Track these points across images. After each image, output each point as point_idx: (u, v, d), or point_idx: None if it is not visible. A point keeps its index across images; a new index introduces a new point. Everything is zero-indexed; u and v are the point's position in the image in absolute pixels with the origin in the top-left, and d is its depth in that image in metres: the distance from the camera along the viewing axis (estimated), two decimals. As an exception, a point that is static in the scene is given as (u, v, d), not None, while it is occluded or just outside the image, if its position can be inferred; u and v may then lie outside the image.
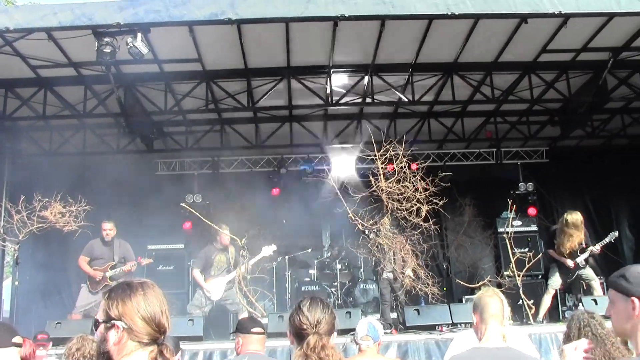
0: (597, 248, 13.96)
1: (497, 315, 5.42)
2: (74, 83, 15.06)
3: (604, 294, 13.87)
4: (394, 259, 13.53)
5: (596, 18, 12.64)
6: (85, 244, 14.09)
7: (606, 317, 4.44)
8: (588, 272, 14.08)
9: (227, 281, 13.98)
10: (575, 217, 13.92)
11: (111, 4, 11.07)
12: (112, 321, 3.24)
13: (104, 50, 11.09)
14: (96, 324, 3.34)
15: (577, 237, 13.84)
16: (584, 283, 14.45)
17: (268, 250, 14.40)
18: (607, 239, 14.21)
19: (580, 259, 13.82)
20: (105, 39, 11.06)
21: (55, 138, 18.10)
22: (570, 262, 13.82)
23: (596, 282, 14.00)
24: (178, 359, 6.14)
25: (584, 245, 13.94)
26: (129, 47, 11.06)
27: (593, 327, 5.61)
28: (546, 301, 14.14)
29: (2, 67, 14.17)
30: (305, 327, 4.55)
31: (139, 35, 11.07)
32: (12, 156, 16.97)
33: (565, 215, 14.12)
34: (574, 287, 14.89)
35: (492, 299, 5.53)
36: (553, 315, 14.86)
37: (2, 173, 16.52)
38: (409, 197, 12.12)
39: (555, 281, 14.14)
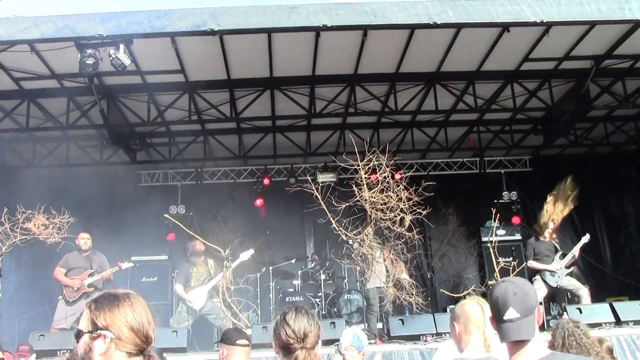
0: (575, 252, 14.04)
1: (480, 325, 5.39)
2: (56, 95, 15.00)
3: (592, 302, 13.97)
4: (387, 267, 13.53)
5: (578, 26, 12.69)
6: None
7: (591, 325, 4.44)
8: (574, 282, 14.12)
9: (208, 289, 13.93)
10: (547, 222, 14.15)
11: (93, 15, 11.06)
12: (100, 331, 3.20)
13: (87, 62, 11.05)
14: (79, 334, 3.28)
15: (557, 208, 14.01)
16: (568, 293, 14.49)
17: (246, 254, 14.32)
18: (581, 242, 14.37)
19: (562, 264, 13.88)
20: (88, 51, 11.02)
21: (39, 150, 18.05)
22: (557, 265, 13.88)
23: (584, 291, 14.04)
24: None
25: (561, 253, 14.05)
26: (111, 58, 11.04)
27: (577, 337, 5.56)
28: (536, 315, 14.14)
29: (-15, 80, 14.15)
30: (292, 341, 4.41)
31: (122, 46, 11.05)
32: (-5, 168, 16.93)
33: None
34: (558, 296, 14.93)
35: (475, 308, 5.50)
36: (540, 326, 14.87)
37: (-15, 185, 16.46)
38: (392, 206, 12.11)
39: (540, 293, 14.14)
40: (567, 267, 14.11)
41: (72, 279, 13.62)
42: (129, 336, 3.23)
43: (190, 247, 14.45)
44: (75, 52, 11.14)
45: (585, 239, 14.54)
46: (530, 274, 14.99)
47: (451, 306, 16.80)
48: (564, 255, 14.03)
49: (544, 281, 14.15)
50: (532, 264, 14.32)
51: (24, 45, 11.91)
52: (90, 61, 11.05)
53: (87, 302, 3.38)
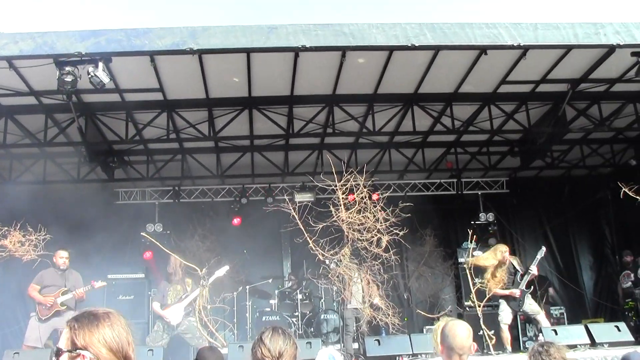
0: (533, 269, 14.06)
1: (467, 347, 5.44)
2: (34, 112, 14.99)
3: (561, 324, 14.01)
4: (363, 287, 13.55)
5: (555, 50, 12.81)
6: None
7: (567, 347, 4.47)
8: (533, 307, 14.16)
9: (185, 306, 13.89)
10: (501, 247, 14.24)
11: (73, 33, 11.06)
12: (78, 350, 3.19)
13: (65, 79, 11.03)
14: (59, 352, 3.24)
15: (497, 267, 14.04)
16: (533, 318, 14.54)
17: (221, 271, 14.28)
18: (537, 257, 14.34)
19: (522, 285, 13.91)
20: (67, 68, 11.00)
21: (16, 166, 17.98)
22: (516, 291, 13.90)
23: (541, 316, 14.07)
24: None
25: (521, 273, 14.07)
26: (90, 76, 11.02)
27: (551, 357, 5.60)
28: (505, 337, 14.13)
29: (-38, 95, 14.11)
30: (267, 359, 4.52)
31: (100, 64, 11.05)
32: (-28, 184, 16.86)
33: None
34: (524, 312, 14.99)
35: (462, 330, 5.56)
36: (514, 345, 14.88)
37: (-39, 201, 16.39)
38: (369, 227, 12.14)
39: (506, 316, 14.13)
40: (528, 286, 14.12)
41: (45, 297, 13.55)
42: (107, 357, 3.22)
43: (169, 263, 14.41)
44: (54, 69, 11.12)
45: (541, 253, 14.55)
46: (495, 300, 15.04)
47: (427, 327, 16.85)
48: (522, 276, 14.04)
49: (508, 305, 14.17)
50: (496, 292, 14.34)
51: (2, 61, 11.86)
52: (68, 78, 11.03)
53: (68, 320, 3.38)
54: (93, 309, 3.44)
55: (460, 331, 5.56)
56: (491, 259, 14.14)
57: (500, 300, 14.43)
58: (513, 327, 14.76)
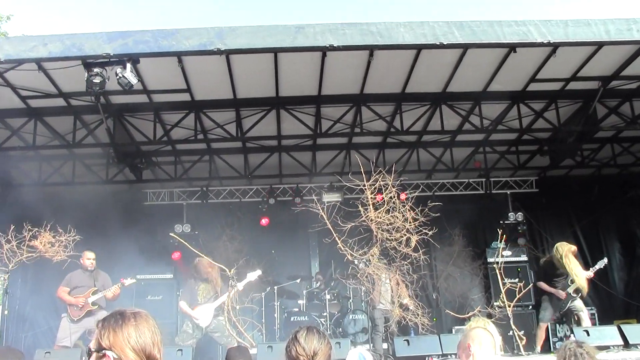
0: (590, 274, 13.92)
1: (490, 349, 5.38)
2: (63, 113, 15.07)
3: (592, 324, 13.85)
4: (392, 287, 13.51)
5: (585, 47, 12.68)
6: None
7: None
8: (577, 304, 14.00)
9: (215, 307, 13.86)
10: (568, 246, 13.93)
11: (100, 34, 11.08)
12: (104, 351, 3.22)
13: (94, 80, 11.05)
14: (89, 353, 3.32)
15: (575, 264, 13.81)
16: (575, 314, 14.40)
17: (253, 275, 14.27)
18: (597, 266, 14.16)
19: (571, 289, 13.75)
20: (95, 70, 11.02)
21: (45, 168, 18.07)
22: (562, 293, 13.75)
23: (584, 314, 13.91)
24: None
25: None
26: (118, 77, 11.04)
27: (580, 357, 5.52)
28: (540, 336, 14.05)
29: (-8, 98, 14.19)
30: (301, 358, 4.51)
31: (128, 65, 11.06)
32: (2, 186, 16.96)
33: (557, 247, 14.10)
34: (567, 317, 14.84)
35: (485, 332, 5.50)
36: (544, 346, 14.77)
37: (-8, 203, 16.50)
38: (398, 227, 12.09)
39: (546, 315, 14.05)
40: (576, 292, 13.95)
41: (75, 298, 13.60)
42: (131, 357, 3.23)
43: (197, 265, 14.37)
44: (82, 70, 11.15)
45: (602, 262, 14.39)
46: (539, 295, 14.90)
47: (457, 327, 16.77)
48: (572, 281, 13.87)
49: (551, 304, 14.04)
50: (541, 284, 14.20)
51: (31, 63, 11.91)
52: (97, 80, 11.05)
53: (97, 321, 3.40)
54: (122, 309, 3.45)
55: (484, 333, 5.52)
56: (570, 259, 13.94)
57: (543, 297, 14.31)
58: (546, 329, 14.61)
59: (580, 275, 13.72)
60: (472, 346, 5.49)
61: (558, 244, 14.17)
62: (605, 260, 14.60)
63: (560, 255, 13.82)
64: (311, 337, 4.58)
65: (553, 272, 14.03)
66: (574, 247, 13.97)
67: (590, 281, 14.83)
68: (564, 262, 13.73)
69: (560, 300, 13.84)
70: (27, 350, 15.57)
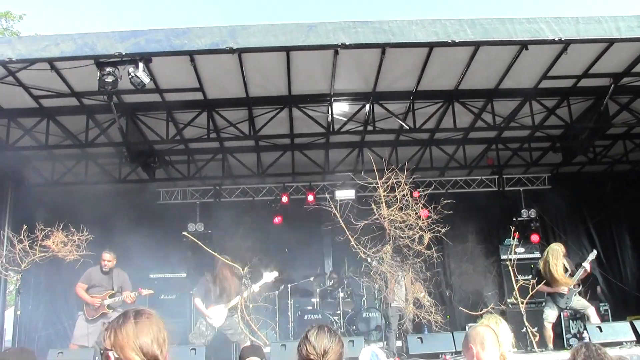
0: (586, 266, 13.89)
1: (494, 347, 5.38)
2: (76, 113, 15.11)
3: (603, 320, 13.82)
4: (406, 285, 13.52)
5: (596, 44, 12.67)
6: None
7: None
8: (582, 302, 14.00)
9: (229, 308, 13.87)
10: (556, 246, 14.00)
11: (113, 34, 11.09)
12: (106, 350, 3.30)
13: (106, 80, 11.06)
14: (101, 352, 3.43)
15: (559, 264, 13.82)
16: (582, 313, 14.38)
17: (270, 276, 14.28)
18: (589, 258, 14.15)
19: (571, 284, 13.75)
20: (107, 69, 11.03)
21: (58, 167, 18.16)
22: (563, 288, 13.75)
23: (591, 310, 13.90)
24: None
25: (570, 272, 13.89)
26: (130, 76, 11.05)
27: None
28: (547, 335, 14.03)
29: (5, 98, 14.26)
30: (312, 356, 4.50)
31: (141, 65, 11.07)
32: (15, 186, 17.01)
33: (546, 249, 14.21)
34: (580, 314, 14.82)
35: (486, 330, 5.49)
36: (557, 343, 14.73)
37: (5, 202, 16.56)
38: (411, 224, 12.09)
39: (550, 315, 14.02)
40: (577, 285, 13.96)
41: (92, 297, 13.63)
42: (129, 356, 3.28)
43: (218, 273, 14.31)
44: (95, 70, 11.17)
45: (592, 255, 14.42)
46: (542, 295, 14.90)
47: (470, 324, 16.76)
48: (572, 275, 13.88)
49: (554, 303, 14.04)
50: (542, 288, 14.19)
51: (44, 63, 11.95)
52: (109, 79, 11.06)
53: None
54: (128, 310, 3.51)
55: (491, 330, 5.51)
56: (559, 262, 13.97)
57: (546, 298, 14.31)
58: (556, 325, 14.59)
59: (559, 272, 13.80)
60: (473, 348, 5.49)
61: (552, 245, 14.28)
62: (595, 251, 14.69)
63: (548, 256, 13.94)
64: (322, 336, 4.57)
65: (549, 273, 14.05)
66: (559, 249, 14.05)
67: (589, 275, 14.83)
68: (550, 262, 13.81)
69: (563, 296, 13.84)
70: (40, 350, 15.63)
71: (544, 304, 14.41)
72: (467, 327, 16.31)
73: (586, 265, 13.94)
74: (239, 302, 13.25)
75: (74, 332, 13.87)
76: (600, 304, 18.47)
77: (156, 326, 3.44)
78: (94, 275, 13.89)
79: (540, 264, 14.25)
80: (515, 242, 14.95)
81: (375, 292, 17.01)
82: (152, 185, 19.42)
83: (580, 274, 13.82)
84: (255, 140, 17.26)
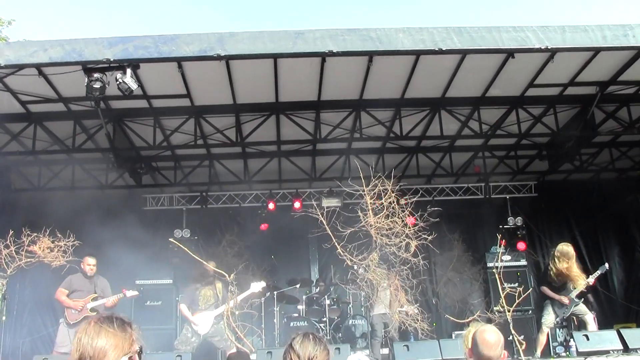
0: (590, 281, 13.91)
1: (495, 355, 5.39)
2: (63, 118, 15.10)
3: (598, 328, 13.85)
4: (391, 292, 13.54)
5: (583, 53, 12.73)
6: (72, 279, 14.03)
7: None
8: (581, 307, 14.01)
9: (215, 315, 13.87)
10: (566, 247, 13.93)
11: (101, 40, 11.10)
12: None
13: (94, 85, 11.06)
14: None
15: (571, 266, 13.81)
16: (574, 318, 14.41)
17: (257, 286, 14.32)
18: (598, 272, 14.15)
19: (574, 294, 13.76)
20: (95, 75, 11.03)
21: (44, 173, 18.13)
22: (565, 299, 13.76)
23: (589, 316, 13.91)
24: None
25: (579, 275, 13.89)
26: (118, 82, 11.05)
27: None
28: (541, 340, 14.04)
29: (-8, 103, 14.22)
30: None
31: (128, 71, 11.08)
32: (1, 191, 16.98)
33: (557, 247, 14.11)
34: (567, 322, 14.87)
35: (491, 336, 5.50)
36: (544, 351, 14.78)
37: (-9, 207, 16.52)
38: (397, 232, 12.12)
39: (549, 320, 14.04)
40: (579, 296, 13.96)
41: (74, 301, 13.60)
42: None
43: (198, 269, 14.37)
44: (83, 75, 11.17)
45: (603, 269, 14.40)
46: (541, 300, 14.90)
47: (456, 332, 16.79)
48: (575, 287, 13.87)
49: (554, 310, 14.05)
50: (544, 290, 14.20)
51: (31, 68, 11.97)
52: (97, 85, 11.06)
53: None
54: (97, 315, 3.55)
55: (490, 337, 5.49)
56: (572, 261, 13.94)
57: (546, 302, 14.30)
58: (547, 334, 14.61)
59: (579, 281, 13.75)
60: (470, 353, 5.50)
61: (560, 245, 14.17)
62: (607, 265, 14.61)
63: (559, 257, 13.86)
64: (306, 344, 4.57)
65: (554, 279, 14.03)
66: (573, 252, 13.99)
67: (591, 288, 14.81)
68: (562, 265, 13.76)
69: (563, 306, 13.86)
70: (25, 356, 15.61)
71: (543, 308, 14.37)
72: (453, 335, 16.46)
73: (590, 279, 13.95)
74: (225, 309, 13.25)
75: (56, 339, 13.84)
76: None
77: (114, 330, 3.42)
78: (75, 281, 13.86)
79: (553, 267, 14.19)
80: (501, 250, 14.99)
81: (362, 299, 17.04)
82: (139, 191, 19.37)
83: (581, 288, 13.83)
84: (242, 147, 17.25)
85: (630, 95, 15.11)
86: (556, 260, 13.91)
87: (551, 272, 14.00)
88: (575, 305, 13.85)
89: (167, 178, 18.86)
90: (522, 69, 13.62)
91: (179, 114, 15.42)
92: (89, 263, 13.90)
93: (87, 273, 13.87)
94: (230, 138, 15.97)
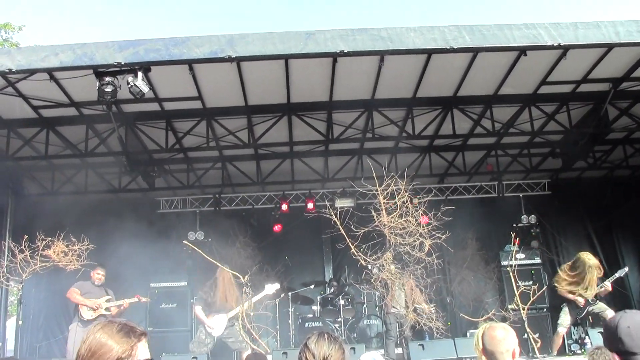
0: (607, 284, 13.84)
1: (508, 352, 5.34)
2: (75, 122, 15.13)
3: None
4: (405, 292, 13.51)
5: (595, 49, 12.63)
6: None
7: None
8: (600, 305, 13.93)
9: (229, 317, 13.87)
10: (594, 260, 13.84)
11: (112, 43, 11.09)
12: None
13: (105, 89, 11.05)
14: None
15: (594, 277, 13.74)
16: (590, 317, 14.33)
17: (271, 288, 14.32)
18: (617, 274, 14.13)
19: (589, 297, 13.69)
20: (106, 79, 11.03)
21: (58, 177, 18.16)
22: (581, 300, 13.70)
23: (609, 312, 13.80)
24: None
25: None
26: (129, 86, 11.04)
27: None
28: (557, 342, 14.01)
29: (5, 108, 14.25)
30: None
31: (140, 74, 11.06)
32: (15, 196, 17.00)
33: (583, 258, 13.96)
34: (582, 320, 14.77)
35: (499, 332, 5.45)
36: (559, 349, 14.71)
37: (5, 213, 16.55)
38: (411, 231, 12.09)
39: (566, 321, 13.99)
40: (594, 300, 13.87)
41: (90, 300, 13.67)
42: None
43: (218, 280, 14.32)
44: (94, 79, 11.17)
45: (622, 271, 14.34)
46: (558, 301, 14.82)
47: (471, 330, 16.73)
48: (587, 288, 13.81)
49: (571, 310, 13.98)
50: (563, 292, 14.12)
51: (43, 73, 11.94)
52: (108, 89, 11.06)
53: None
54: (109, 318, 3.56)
55: (497, 334, 5.44)
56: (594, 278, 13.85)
57: (563, 304, 14.25)
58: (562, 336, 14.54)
59: (590, 292, 13.70)
60: (481, 352, 5.46)
61: (584, 254, 14.05)
62: (626, 269, 14.57)
63: (585, 265, 13.75)
64: (321, 343, 4.53)
65: (571, 280, 13.95)
66: (597, 262, 13.94)
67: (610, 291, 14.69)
68: (586, 272, 13.67)
69: (578, 308, 13.80)
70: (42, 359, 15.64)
71: (561, 309, 14.31)
72: (468, 334, 16.39)
73: (607, 283, 13.88)
74: (240, 311, 13.25)
75: (67, 345, 13.89)
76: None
77: (115, 337, 3.40)
78: (84, 286, 13.95)
79: (572, 271, 14.09)
80: (515, 248, 14.96)
81: (376, 299, 17.02)
82: (152, 194, 19.36)
83: (597, 290, 13.76)
84: (254, 149, 17.24)
85: (643, 92, 15.02)
86: (585, 266, 13.80)
87: (566, 276, 13.94)
88: (590, 307, 13.78)
89: (180, 181, 18.86)
90: (534, 66, 13.56)
91: (191, 117, 15.41)
92: (99, 272, 14.05)
93: (96, 282, 14.00)
94: (243, 140, 15.95)
